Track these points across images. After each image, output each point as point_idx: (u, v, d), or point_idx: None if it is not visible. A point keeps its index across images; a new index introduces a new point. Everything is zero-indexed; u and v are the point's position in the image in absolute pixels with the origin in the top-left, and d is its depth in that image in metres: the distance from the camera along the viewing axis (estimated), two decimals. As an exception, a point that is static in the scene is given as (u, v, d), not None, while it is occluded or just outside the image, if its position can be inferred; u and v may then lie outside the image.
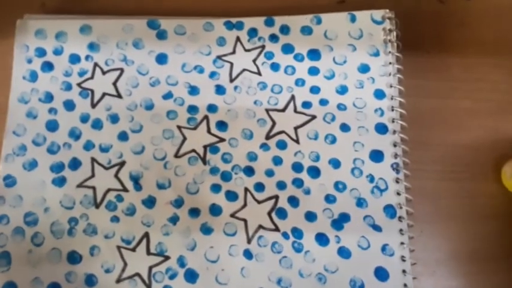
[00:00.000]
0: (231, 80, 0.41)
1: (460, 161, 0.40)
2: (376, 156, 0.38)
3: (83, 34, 0.42)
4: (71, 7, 0.45)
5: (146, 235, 0.36)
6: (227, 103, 0.40)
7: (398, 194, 0.37)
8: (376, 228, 0.36)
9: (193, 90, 0.40)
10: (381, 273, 0.35)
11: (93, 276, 0.35)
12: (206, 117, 0.40)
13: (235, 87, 0.40)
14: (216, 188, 0.38)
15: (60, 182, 0.38)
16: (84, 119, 0.39)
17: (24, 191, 0.37)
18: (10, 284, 0.35)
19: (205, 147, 0.39)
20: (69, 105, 0.40)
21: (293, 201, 0.37)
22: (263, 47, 0.41)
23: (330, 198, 0.37)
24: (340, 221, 0.37)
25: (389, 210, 0.37)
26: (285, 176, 0.38)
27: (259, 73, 0.41)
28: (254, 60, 0.41)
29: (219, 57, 0.41)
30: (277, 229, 0.36)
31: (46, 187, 0.38)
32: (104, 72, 0.41)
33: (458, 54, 0.43)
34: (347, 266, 0.36)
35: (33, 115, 0.39)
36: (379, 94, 0.40)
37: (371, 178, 0.38)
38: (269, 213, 0.37)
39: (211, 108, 0.40)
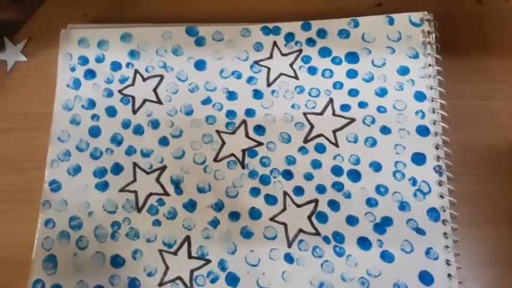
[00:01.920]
0: (269, 85, 0.41)
1: (503, 163, 0.39)
2: (418, 158, 0.37)
3: (123, 42, 0.43)
4: (111, 16, 0.46)
5: (187, 238, 0.37)
6: (265, 107, 0.40)
7: (441, 196, 0.36)
8: (420, 231, 0.36)
9: (232, 96, 0.41)
10: (426, 278, 0.35)
11: (136, 279, 0.36)
12: (244, 122, 0.40)
13: (273, 92, 0.41)
14: (255, 191, 0.38)
15: (103, 186, 0.38)
16: (126, 124, 0.40)
17: (68, 195, 0.38)
18: (56, 287, 0.35)
19: (243, 151, 0.39)
20: (111, 112, 0.41)
21: (333, 205, 0.37)
22: (300, 51, 0.42)
23: (371, 202, 0.37)
24: (383, 225, 0.36)
25: (433, 214, 0.36)
26: (325, 180, 0.38)
27: (296, 77, 0.41)
28: (291, 65, 0.41)
29: (256, 62, 0.42)
30: (317, 233, 0.36)
31: (89, 192, 0.38)
32: (144, 79, 0.42)
33: (497, 55, 0.42)
34: (390, 270, 0.35)
35: (76, 122, 0.40)
36: (420, 96, 0.39)
37: (413, 181, 0.37)
38: (309, 217, 0.37)
39: (249, 112, 0.40)
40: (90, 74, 0.42)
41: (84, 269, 0.36)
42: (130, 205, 0.38)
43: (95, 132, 0.40)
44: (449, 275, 0.34)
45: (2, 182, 0.41)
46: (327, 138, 0.38)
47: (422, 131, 0.38)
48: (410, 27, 0.41)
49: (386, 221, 0.36)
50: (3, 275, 0.38)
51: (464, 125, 0.40)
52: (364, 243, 0.36)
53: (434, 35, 0.40)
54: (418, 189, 0.37)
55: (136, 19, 0.45)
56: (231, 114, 0.40)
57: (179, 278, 0.36)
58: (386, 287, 0.35)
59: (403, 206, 0.36)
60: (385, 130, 0.38)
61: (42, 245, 0.37)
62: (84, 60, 0.42)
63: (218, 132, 0.39)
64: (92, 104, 0.41)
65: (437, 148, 0.37)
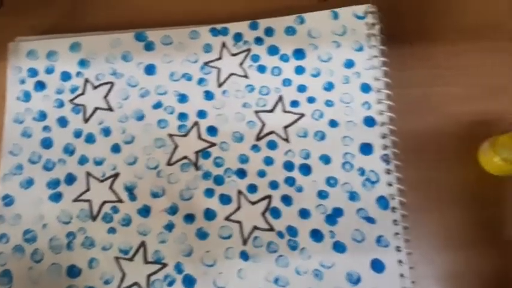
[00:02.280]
0: (219, 85, 0.41)
1: (450, 148, 0.40)
2: (366, 149, 0.38)
3: (72, 52, 0.43)
4: (60, 27, 0.46)
5: (143, 244, 0.37)
6: (216, 108, 0.40)
7: (389, 185, 0.37)
8: (370, 220, 0.36)
9: (183, 98, 0.41)
10: (377, 265, 0.35)
11: (93, 288, 0.35)
12: (196, 124, 0.40)
13: (224, 92, 0.41)
14: (209, 192, 0.38)
15: (56, 197, 0.38)
16: (78, 134, 0.40)
17: (22, 209, 0.38)
18: (13, 302, 0.35)
19: (196, 153, 0.39)
20: (63, 122, 0.41)
21: (286, 199, 0.37)
22: (249, 50, 0.42)
23: (322, 194, 0.37)
24: (334, 216, 0.37)
25: (382, 202, 0.37)
26: (277, 176, 0.38)
27: (246, 76, 0.41)
28: (241, 64, 0.42)
29: (206, 63, 0.42)
30: (271, 229, 0.37)
31: (43, 204, 0.38)
32: (94, 87, 0.42)
33: (441, 42, 0.43)
34: (343, 261, 0.36)
35: (28, 134, 0.40)
36: (366, 88, 0.40)
37: (362, 171, 0.38)
38: (263, 214, 0.37)
39: (201, 114, 0.40)
40: (40, 85, 0.42)
41: (40, 282, 0.36)
42: (85, 214, 0.38)
43: (47, 143, 0.40)
44: (399, 261, 0.35)
45: (-48, 200, 0.40)
46: (278, 135, 0.39)
47: (369, 121, 0.39)
48: (354, 21, 0.41)
49: (337, 212, 0.37)
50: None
51: (411, 113, 0.40)
52: (316, 235, 0.36)
53: (378, 27, 0.41)
54: (366, 179, 0.37)
55: (86, 28, 0.45)
56: (182, 116, 0.40)
57: (136, 283, 0.36)
58: (339, 277, 0.35)
59: (352, 196, 0.37)
60: (333, 123, 0.39)
61: (-3, 262, 0.36)
62: (33, 72, 0.42)
63: (170, 135, 0.40)
64: (43, 115, 0.41)
65: (383, 137, 0.38)
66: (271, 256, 0.36)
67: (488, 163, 0.37)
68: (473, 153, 0.39)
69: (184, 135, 0.40)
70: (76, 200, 0.38)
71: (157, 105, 0.41)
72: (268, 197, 0.37)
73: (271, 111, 0.40)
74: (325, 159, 0.38)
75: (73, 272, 0.36)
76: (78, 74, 0.42)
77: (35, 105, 0.41)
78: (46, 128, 0.40)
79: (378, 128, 0.38)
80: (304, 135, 0.39)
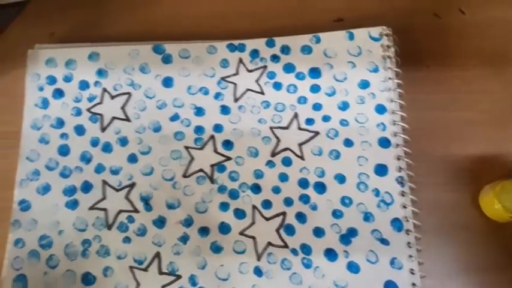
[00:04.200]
0: (235, 100, 0.42)
1: (464, 172, 0.41)
2: (381, 170, 0.39)
3: (91, 61, 0.43)
4: (79, 35, 0.46)
5: (157, 255, 0.37)
6: (232, 122, 0.41)
7: (404, 207, 0.38)
8: (384, 242, 0.37)
9: (199, 111, 0.42)
10: (391, 287, 0.36)
11: (107, 296, 0.36)
12: (212, 137, 0.41)
13: (240, 107, 0.42)
14: (224, 206, 0.38)
15: (72, 205, 0.39)
16: (95, 142, 0.41)
17: (38, 214, 0.39)
18: (27, 307, 0.35)
19: (212, 166, 0.40)
20: (80, 130, 0.41)
21: (301, 217, 0.38)
22: (265, 67, 0.43)
23: (337, 214, 0.38)
24: (348, 236, 0.37)
25: (396, 224, 0.37)
26: (292, 193, 0.39)
27: (262, 92, 0.42)
28: (257, 80, 0.42)
29: (223, 78, 0.43)
30: (286, 246, 0.37)
31: (59, 210, 0.39)
32: (112, 97, 0.42)
33: (457, 67, 0.44)
34: (356, 281, 0.36)
35: (45, 141, 0.41)
36: (380, 109, 0.40)
37: (376, 192, 0.38)
38: (277, 230, 0.38)
39: (217, 128, 0.41)
40: (59, 93, 0.42)
41: (54, 288, 0.36)
42: (100, 223, 0.38)
43: (64, 150, 0.40)
44: (413, 284, 0.36)
45: (-31, 202, 0.40)
46: (293, 152, 0.40)
47: (384, 142, 0.39)
48: (370, 42, 0.42)
49: (352, 232, 0.37)
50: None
51: (425, 136, 0.41)
52: (330, 254, 0.37)
53: (393, 49, 0.42)
54: (381, 200, 0.38)
55: (103, 38, 0.46)
56: (199, 130, 0.41)
57: (150, 294, 0.36)
58: (352, 297, 0.35)
59: (367, 217, 0.37)
60: (348, 143, 0.40)
61: (12, 265, 0.37)
62: (52, 80, 0.43)
63: (187, 148, 0.40)
64: (60, 123, 0.41)
65: (398, 159, 0.39)
66: (285, 273, 0.36)
67: (488, 208, 0.38)
68: (488, 176, 0.40)
69: (201, 148, 0.40)
70: (92, 208, 0.39)
71: (174, 118, 0.41)
72: (283, 213, 0.38)
73: (286, 127, 0.40)
74: (340, 179, 0.39)
75: (88, 279, 0.37)
76: (96, 83, 0.43)
77: (53, 112, 0.41)
78: (63, 136, 0.41)
79: (393, 149, 0.39)
80: (319, 153, 0.39)
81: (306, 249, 0.37)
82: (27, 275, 0.37)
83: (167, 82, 0.42)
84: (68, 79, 0.43)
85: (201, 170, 0.40)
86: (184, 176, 0.39)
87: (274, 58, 0.43)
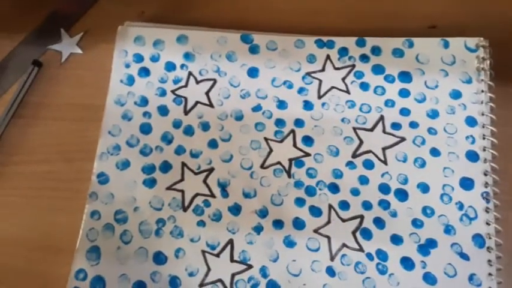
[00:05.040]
0: (319, 97, 0.41)
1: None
2: (466, 183, 0.38)
3: (179, 43, 0.43)
4: (168, 17, 0.47)
5: (230, 242, 0.37)
6: (314, 119, 0.40)
7: (487, 223, 0.36)
8: (464, 256, 0.36)
9: (282, 104, 0.41)
10: (468, 303, 0.34)
11: (177, 278, 0.36)
12: (293, 131, 0.40)
13: (323, 104, 0.41)
14: (300, 201, 0.38)
15: (150, 183, 0.39)
16: (177, 124, 0.41)
17: (116, 189, 0.39)
18: (99, 278, 0.36)
19: (290, 160, 0.39)
20: (163, 111, 0.41)
21: (379, 222, 0.37)
22: (353, 66, 0.42)
23: (417, 223, 0.37)
24: (427, 247, 0.36)
25: (478, 240, 0.36)
26: (371, 196, 0.38)
27: (348, 91, 0.41)
28: (343, 79, 0.42)
29: (308, 73, 0.42)
30: (361, 249, 0.37)
31: (137, 187, 0.39)
32: (197, 82, 0.42)
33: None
34: (432, 293, 0.35)
35: (128, 117, 0.41)
36: (471, 121, 0.39)
37: (460, 205, 0.37)
38: (353, 233, 0.37)
39: (298, 122, 0.41)
40: (145, 72, 0.43)
41: (126, 263, 0.37)
42: (176, 204, 0.38)
43: (146, 129, 0.41)
44: (490, 303, 0.34)
45: (49, 170, 0.42)
46: (375, 155, 0.39)
47: (472, 156, 0.38)
48: (465, 52, 0.41)
49: (431, 243, 0.36)
50: (45, 263, 0.38)
51: (513, 154, 0.39)
52: (407, 263, 0.36)
53: (488, 62, 0.40)
54: (464, 214, 0.37)
55: (191, 21, 0.46)
56: (280, 122, 0.40)
57: (220, 280, 0.36)
58: (427, 308, 0.34)
59: (448, 230, 0.36)
60: (434, 152, 0.39)
61: (87, 236, 0.38)
62: (139, 58, 0.43)
63: (266, 139, 0.40)
64: (144, 101, 0.42)
65: (485, 175, 0.37)
66: (358, 277, 0.36)
67: None
68: None
69: (280, 141, 0.40)
70: (169, 188, 0.39)
71: (257, 108, 0.41)
72: (360, 216, 0.37)
73: (370, 130, 0.40)
74: (423, 188, 0.38)
75: (159, 258, 0.37)
76: (183, 66, 0.43)
77: (138, 90, 0.42)
78: (146, 114, 0.41)
79: (481, 164, 0.38)
80: (404, 159, 0.38)
81: (382, 255, 0.36)
82: (100, 247, 0.37)
83: (252, 72, 0.42)
84: (155, 59, 0.43)
85: (278, 163, 0.39)
86: (262, 167, 0.39)
87: (364, 58, 0.42)
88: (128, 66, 0.43)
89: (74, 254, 0.37)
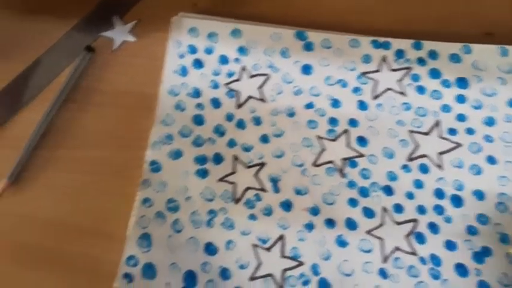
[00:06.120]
0: (374, 97, 0.41)
1: None
2: (523, 193, 0.37)
3: (233, 37, 0.44)
4: (220, 10, 0.47)
5: (281, 237, 0.37)
6: (369, 119, 0.40)
7: (544, 234, 0.36)
8: (520, 267, 0.35)
9: (335, 103, 0.41)
10: (522, 313, 0.34)
11: (227, 270, 0.36)
12: (346, 131, 0.40)
13: (378, 105, 0.41)
14: (353, 202, 0.38)
15: (203, 173, 0.39)
16: (230, 117, 0.41)
17: (168, 177, 0.39)
18: (150, 266, 0.36)
19: (344, 160, 0.39)
20: (216, 103, 0.42)
21: (433, 227, 0.37)
22: (409, 68, 0.42)
23: (471, 230, 0.37)
24: (482, 255, 0.36)
25: (535, 250, 0.35)
26: (426, 201, 0.38)
27: (404, 94, 0.41)
28: (399, 81, 0.42)
29: (363, 73, 0.42)
30: (414, 253, 0.36)
31: (189, 177, 0.39)
32: (250, 76, 0.43)
33: None
34: (487, 301, 0.35)
35: (181, 108, 0.41)
36: (529, 131, 0.39)
37: (516, 215, 0.37)
38: (407, 236, 0.37)
39: (352, 122, 0.40)
40: (198, 63, 0.43)
41: (177, 252, 0.37)
42: (228, 196, 0.38)
43: (198, 120, 0.41)
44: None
45: (101, 155, 0.42)
46: (431, 160, 0.39)
47: (528, 165, 0.37)
48: None
49: (486, 251, 0.36)
50: (96, 247, 0.39)
51: None
52: (461, 269, 0.36)
53: (548, 72, 0.40)
54: (521, 224, 0.36)
55: (244, 16, 0.46)
56: (333, 121, 0.40)
57: (271, 275, 0.36)
58: (481, 316, 0.34)
59: (504, 239, 0.36)
60: (491, 160, 0.38)
61: (138, 223, 0.38)
62: (193, 49, 0.43)
63: (319, 137, 0.40)
64: (197, 93, 0.42)
65: (543, 186, 0.37)
66: (410, 280, 0.36)
67: None
68: None
69: (333, 140, 0.40)
70: (221, 180, 0.39)
71: (310, 106, 0.41)
72: (415, 220, 0.37)
73: (426, 133, 0.40)
74: (479, 195, 0.37)
75: (210, 249, 0.37)
76: (236, 60, 0.43)
77: (191, 81, 0.42)
78: (199, 106, 0.41)
79: (538, 173, 0.37)
80: (459, 165, 0.38)
81: (435, 260, 0.36)
82: (152, 234, 0.37)
83: (306, 69, 0.42)
84: (209, 51, 0.43)
85: (331, 162, 0.39)
86: (314, 164, 0.39)
87: (421, 61, 0.42)
88: (182, 56, 0.43)
89: (126, 240, 0.37)
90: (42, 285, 0.37)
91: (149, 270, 0.36)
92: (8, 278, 0.37)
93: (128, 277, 0.35)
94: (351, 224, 0.37)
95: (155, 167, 0.39)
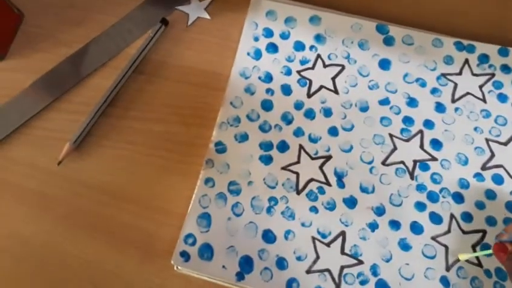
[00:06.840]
0: (453, 101, 0.39)
1: None
2: None
3: (311, 24, 0.42)
4: (298, -5, 0.45)
5: (343, 234, 0.36)
6: (446, 123, 0.39)
7: None
8: None
9: (412, 102, 0.40)
10: None
11: (284, 260, 0.36)
12: (421, 132, 0.39)
13: (456, 109, 0.39)
14: (420, 206, 0.37)
15: (267, 160, 0.38)
16: (299, 106, 0.40)
17: (232, 160, 0.39)
18: (207, 246, 0.36)
19: (415, 162, 0.38)
20: (286, 90, 0.41)
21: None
22: (492, 75, 0.40)
23: (545, 249, 0.34)
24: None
25: None
26: (497, 212, 0.36)
27: (484, 100, 0.39)
28: (481, 86, 0.40)
29: (443, 74, 0.40)
30: (480, 265, 0.35)
31: (253, 162, 0.39)
32: (325, 66, 0.41)
33: None
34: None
35: (251, 91, 0.41)
36: None
37: None
38: (473, 246, 0.35)
39: (428, 124, 0.39)
40: (273, 48, 0.42)
41: (236, 236, 0.37)
42: (290, 185, 0.38)
43: (267, 105, 0.40)
44: None
45: (166, 130, 0.42)
46: (507, 172, 0.36)
47: None
48: None
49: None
50: (153, 222, 0.39)
51: None
52: None
53: None
54: None
55: (323, 3, 0.45)
56: (408, 120, 0.39)
57: (328, 270, 0.35)
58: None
59: None
60: None
61: (199, 202, 0.38)
62: (268, 33, 0.42)
63: (391, 135, 0.39)
64: (269, 77, 0.41)
65: None
66: (474, 292, 0.34)
67: None
68: None
69: (406, 140, 0.38)
70: (285, 168, 0.38)
71: (384, 102, 0.39)
72: (483, 231, 0.35)
73: (504, 144, 0.38)
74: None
75: (268, 237, 0.36)
76: (312, 47, 0.42)
77: (263, 65, 0.41)
78: (269, 91, 0.40)
79: None
80: (538, 181, 0.36)
81: (501, 274, 0.34)
82: (212, 214, 0.37)
83: (384, 64, 0.41)
84: (284, 36, 0.42)
85: (402, 162, 0.38)
86: (384, 163, 0.38)
87: (505, 68, 0.39)
88: (256, 39, 0.42)
89: (186, 218, 0.36)
90: (94, 254, 0.38)
91: (206, 251, 0.36)
92: (62, 240, 0.38)
93: (185, 255, 0.35)
94: (417, 228, 0.36)
95: (220, 148, 0.39)
